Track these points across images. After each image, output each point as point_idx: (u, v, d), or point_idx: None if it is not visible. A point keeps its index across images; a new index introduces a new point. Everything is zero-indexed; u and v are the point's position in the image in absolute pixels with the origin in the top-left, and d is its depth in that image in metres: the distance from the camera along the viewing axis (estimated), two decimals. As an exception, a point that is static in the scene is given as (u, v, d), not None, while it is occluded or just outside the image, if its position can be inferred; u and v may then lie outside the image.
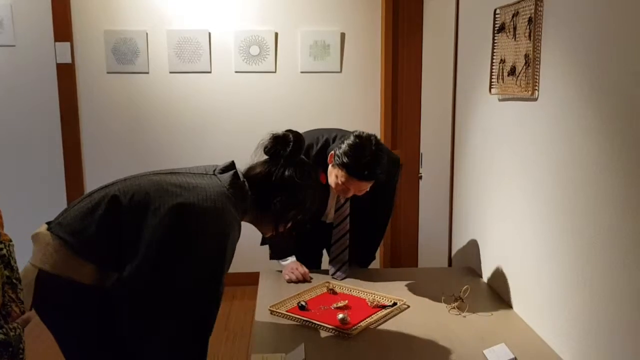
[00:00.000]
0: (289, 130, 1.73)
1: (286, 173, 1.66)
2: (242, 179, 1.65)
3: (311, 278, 2.38)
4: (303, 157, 1.76)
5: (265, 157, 1.72)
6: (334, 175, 2.16)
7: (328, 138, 2.33)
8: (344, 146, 2.11)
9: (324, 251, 2.65)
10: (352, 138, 2.12)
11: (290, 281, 2.36)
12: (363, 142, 2.10)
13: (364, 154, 2.08)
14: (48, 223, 1.60)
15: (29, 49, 3.91)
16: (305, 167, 1.72)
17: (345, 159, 2.08)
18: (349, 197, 2.30)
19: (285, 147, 1.68)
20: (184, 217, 1.51)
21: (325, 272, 2.44)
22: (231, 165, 1.69)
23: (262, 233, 1.83)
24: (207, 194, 1.55)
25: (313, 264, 2.56)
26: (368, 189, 2.18)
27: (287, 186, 1.66)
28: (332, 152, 2.18)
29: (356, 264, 2.54)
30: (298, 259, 2.45)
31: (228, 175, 1.64)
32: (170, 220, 1.49)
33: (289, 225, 1.75)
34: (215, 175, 1.65)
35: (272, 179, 1.66)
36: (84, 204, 1.57)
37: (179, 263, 1.49)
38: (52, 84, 3.94)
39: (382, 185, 2.27)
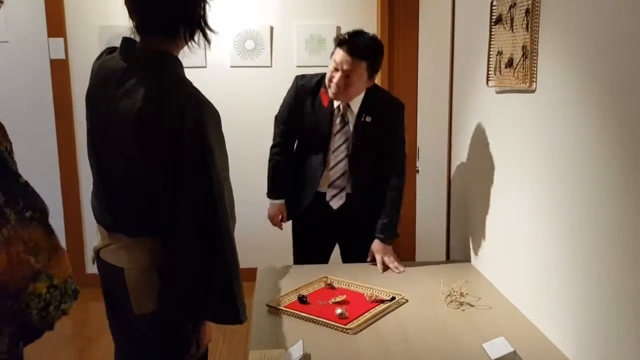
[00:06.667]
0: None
1: None
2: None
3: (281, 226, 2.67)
4: None
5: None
6: (329, 71, 2.36)
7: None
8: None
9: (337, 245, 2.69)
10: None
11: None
12: (363, 31, 2.37)
13: (361, 34, 2.35)
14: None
15: (22, 45, 3.88)
16: None
17: (343, 37, 2.35)
18: (348, 123, 2.41)
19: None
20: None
21: (325, 266, 2.43)
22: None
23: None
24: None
25: (321, 262, 2.57)
26: (357, 75, 2.31)
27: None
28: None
29: (383, 233, 2.54)
30: (311, 258, 2.54)
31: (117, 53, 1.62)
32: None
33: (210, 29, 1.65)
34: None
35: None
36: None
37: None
38: (46, 80, 3.91)
39: (390, 123, 2.43)
